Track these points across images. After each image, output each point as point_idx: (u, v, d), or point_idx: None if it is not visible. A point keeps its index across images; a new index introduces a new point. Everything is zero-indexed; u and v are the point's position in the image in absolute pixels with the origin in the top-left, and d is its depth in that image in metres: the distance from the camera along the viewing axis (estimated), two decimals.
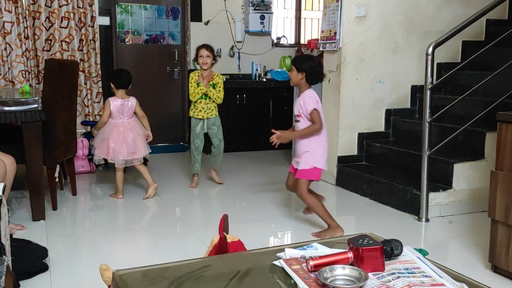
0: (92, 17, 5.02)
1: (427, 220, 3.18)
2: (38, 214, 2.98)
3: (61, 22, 4.90)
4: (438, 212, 3.27)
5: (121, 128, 3.51)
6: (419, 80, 4.12)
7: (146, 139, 3.63)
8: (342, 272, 1.23)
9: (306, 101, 2.83)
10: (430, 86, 3.15)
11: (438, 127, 3.54)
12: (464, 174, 3.33)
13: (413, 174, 3.48)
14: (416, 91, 4.23)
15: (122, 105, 3.54)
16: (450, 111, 3.50)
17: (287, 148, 4.85)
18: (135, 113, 3.64)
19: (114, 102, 3.53)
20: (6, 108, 2.90)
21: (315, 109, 2.81)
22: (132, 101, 3.61)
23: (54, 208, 3.27)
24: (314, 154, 2.85)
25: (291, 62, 2.97)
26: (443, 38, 3.26)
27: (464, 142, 3.51)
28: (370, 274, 1.23)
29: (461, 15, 4.11)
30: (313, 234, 2.90)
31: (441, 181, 3.37)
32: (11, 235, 2.20)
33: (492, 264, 2.43)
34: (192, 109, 3.89)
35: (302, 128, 2.87)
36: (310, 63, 2.86)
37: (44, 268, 2.36)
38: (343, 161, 4.08)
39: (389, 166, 3.88)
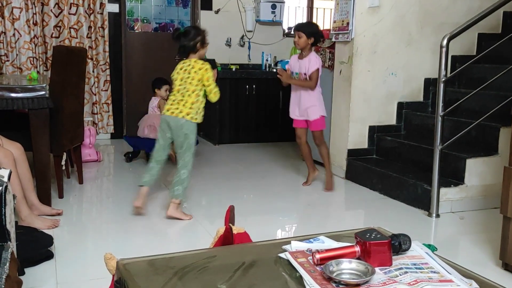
0: (101, 4, 5.00)
1: (437, 215, 3.13)
2: (44, 202, 2.97)
3: (70, 8, 4.89)
4: (449, 208, 3.22)
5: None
6: (433, 73, 4.04)
7: None
8: (348, 266, 1.21)
9: (312, 61, 3.49)
10: (444, 79, 3.09)
11: (451, 121, 3.48)
12: (477, 169, 3.27)
13: (425, 168, 3.42)
14: (430, 84, 4.16)
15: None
16: (463, 105, 3.43)
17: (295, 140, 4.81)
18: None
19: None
20: (14, 95, 2.89)
21: (317, 68, 3.48)
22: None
23: (61, 196, 3.27)
24: (319, 106, 3.58)
25: (298, 29, 3.55)
26: (458, 30, 3.19)
27: (477, 137, 3.45)
28: (377, 269, 1.22)
29: (477, 7, 4.02)
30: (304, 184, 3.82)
31: (453, 177, 3.31)
32: (16, 222, 2.20)
33: (503, 262, 2.39)
34: None
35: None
36: (316, 29, 3.61)
37: (49, 256, 2.36)
38: (353, 154, 4.03)
39: (400, 160, 3.83)
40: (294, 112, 3.70)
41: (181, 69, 2.90)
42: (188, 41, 2.89)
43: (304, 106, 3.60)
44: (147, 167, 3.03)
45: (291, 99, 3.72)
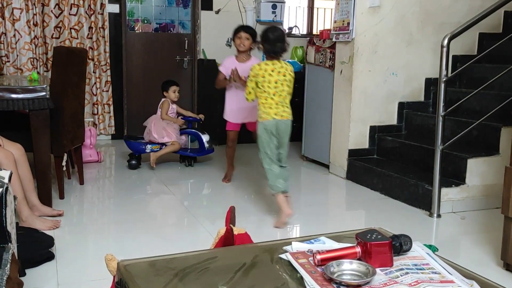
0: (102, 5, 5.00)
1: (438, 216, 3.13)
2: (45, 203, 2.96)
3: (70, 9, 4.89)
4: (450, 208, 3.22)
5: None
6: (434, 72, 4.04)
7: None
8: (349, 267, 1.21)
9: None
10: (444, 79, 3.09)
11: (452, 121, 3.47)
12: (478, 169, 3.27)
13: (426, 168, 3.42)
14: (430, 84, 4.16)
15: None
16: (464, 105, 3.42)
17: (297, 140, 4.82)
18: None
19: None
20: (14, 96, 2.89)
21: None
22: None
23: (61, 197, 3.27)
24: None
25: (246, 30, 3.63)
26: (459, 29, 3.18)
27: (478, 137, 3.44)
28: (378, 270, 1.21)
29: (478, 6, 4.02)
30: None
31: (454, 177, 3.31)
32: (17, 223, 2.20)
33: (504, 262, 2.38)
34: None
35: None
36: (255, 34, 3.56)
37: (50, 257, 2.36)
38: (354, 155, 4.02)
39: (401, 160, 3.83)
40: (238, 117, 3.68)
41: (272, 71, 2.84)
42: (283, 43, 2.88)
43: (248, 109, 3.57)
44: (275, 174, 2.87)
45: (231, 103, 3.68)
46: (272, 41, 2.86)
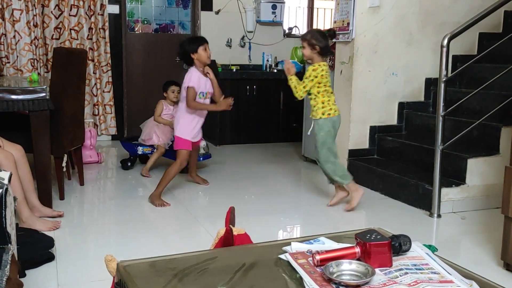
0: (102, 5, 5.01)
1: (439, 216, 3.13)
2: (45, 204, 2.97)
3: (70, 10, 4.90)
4: (451, 208, 3.22)
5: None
6: (434, 72, 4.04)
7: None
8: (348, 267, 1.21)
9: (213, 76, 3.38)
10: (444, 79, 3.08)
11: (452, 121, 3.47)
12: (478, 169, 3.26)
13: (426, 168, 3.42)
14: (431, 84, 4.15)
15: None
16: (465, 105, 3.42)
17: (297, 140, 4.82)
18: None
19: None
20: (14, 97, 2.89)
21: None
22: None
23: (61, 197, 3.27)
24: None
25: (207, 41, 3.32)
26: (459, 29, 3.18)
27: (478, 136, 3.44)
28: (377, 270, 1.22)
29: (478, 6, 4.01)
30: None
31: (454, 177, 3.30)
32: (17, 224, 2.20)
33: (504, 262, 2.38)
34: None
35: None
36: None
37: (50, 257, 2.36)
38: (354, 155, 4.02)
39: (401, 160, 3.83)
40: (198, 135, 3.48)
41: (326, 71, 3.08)
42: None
43: (201, 126, 3.46)
44: (342, 165, 3.13)
45: (195, 123, 3.39)
46: (327, 42, 3.08)
